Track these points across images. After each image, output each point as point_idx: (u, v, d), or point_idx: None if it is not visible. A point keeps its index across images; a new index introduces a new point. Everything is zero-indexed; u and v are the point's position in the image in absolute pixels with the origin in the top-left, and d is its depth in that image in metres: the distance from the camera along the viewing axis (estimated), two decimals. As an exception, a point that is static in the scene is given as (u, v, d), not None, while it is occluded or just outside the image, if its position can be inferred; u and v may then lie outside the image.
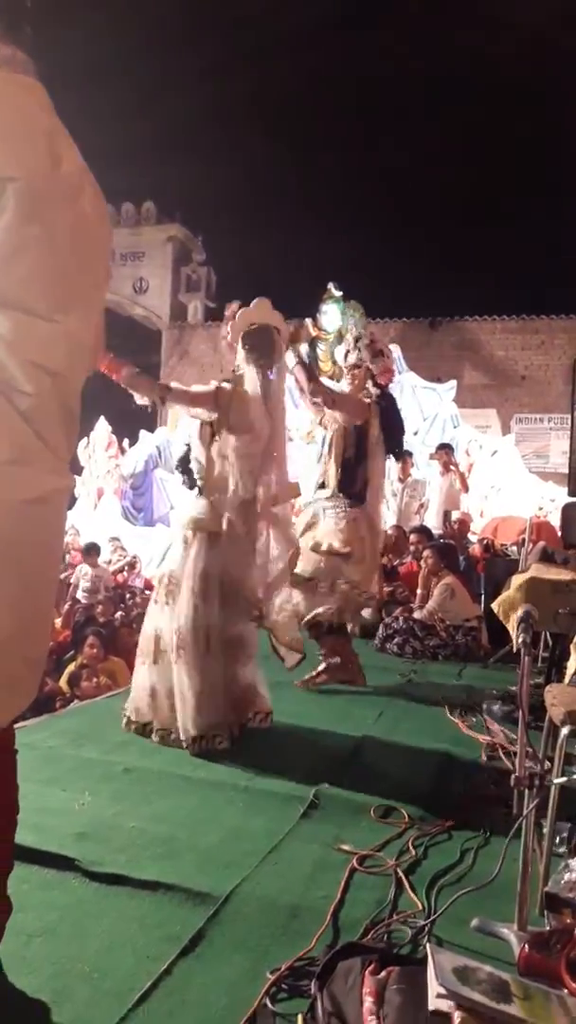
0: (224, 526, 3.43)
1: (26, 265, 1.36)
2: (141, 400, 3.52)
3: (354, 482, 4.59)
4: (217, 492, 3.48)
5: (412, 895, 2.21)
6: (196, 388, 3.58)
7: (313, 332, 14.82)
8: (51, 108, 1.45)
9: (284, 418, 3.72)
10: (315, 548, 4.50)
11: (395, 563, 7.61)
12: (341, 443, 4.56)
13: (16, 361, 1.36)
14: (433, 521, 9.23)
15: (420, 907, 2.15)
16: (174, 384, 3.64)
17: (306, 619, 4.50)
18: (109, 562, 10.36)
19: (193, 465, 3.61)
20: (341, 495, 4.57)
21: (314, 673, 4.59)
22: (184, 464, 3.75)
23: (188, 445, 3.74)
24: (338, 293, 14.99)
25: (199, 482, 3.57)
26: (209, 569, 3.42)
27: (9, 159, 1.32)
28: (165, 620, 3.47)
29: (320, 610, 4.48)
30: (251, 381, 3.50)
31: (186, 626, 3.36)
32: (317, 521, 4.61)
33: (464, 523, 8.83)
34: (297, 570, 4.46)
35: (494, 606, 6.11)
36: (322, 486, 4.68)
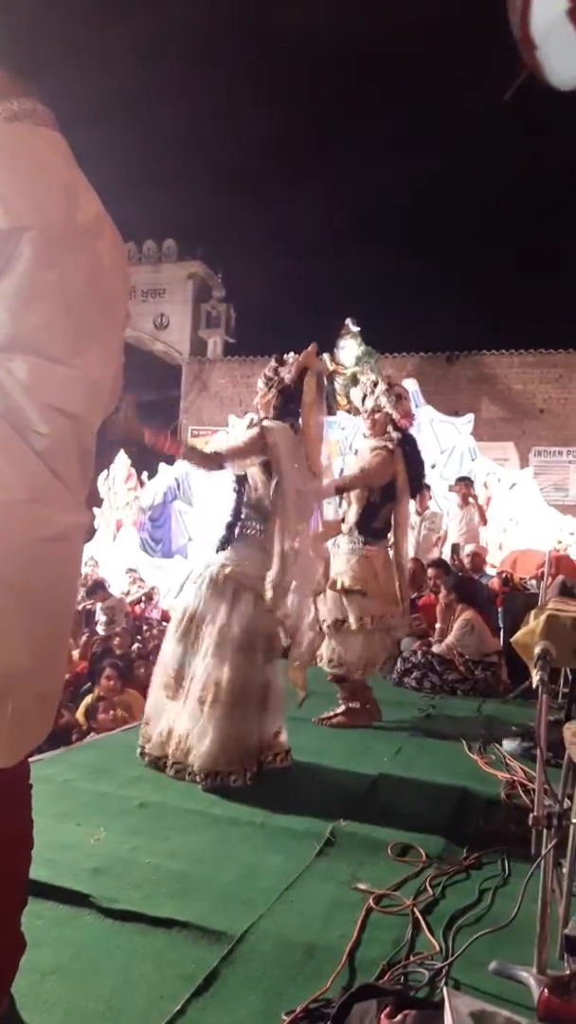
0: (278, 575, 3.40)
1: (43, 311, 1.40)
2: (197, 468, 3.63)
3: (374, 520, 4.59)
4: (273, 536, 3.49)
5: (429, 936, 2.18)
6: (240, 439, 3.57)
7: (331, 367, 14.98)
8: (71, 159, 1.50)
9: (322, 456, 3.77)
10: (330, 586, 4.51)
11: (413, 596, 7.57)
12: (365, 491, 4.59)
13: (34, 405, 1.39)
14: (447, 555, 9.20)
15: (437, 948, 2.11)
16: (224, 448, 3.61)
17: (333, 672, 4.53)
18: (127, 593, 10.39)
19: (246, 510, 3.59)
20: (356, 532, 4.58)
21: (332, 714, 4.57)
22: (237, 511, 3.65)
23: (238, 489, 3.66)
24: (355, 328, 15.15)
25: (254, 529, 3.55)
26: (256, 626, 3.42)
27: (25, 208, 1.36)
28: (194, 660, 3.44)
29: (343, 669, 4.49)
30: (319, 426, 3.59)
31: (228, 680, 3.34)
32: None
33: (478, 556, 8.77)
34: (331, 615, 4.50)
35: (513, 641, 6.06)
36: (342, 520, 4.70)
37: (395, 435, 4.64)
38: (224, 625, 3.41)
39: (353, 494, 4.61)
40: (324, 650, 4.43)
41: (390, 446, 4.59)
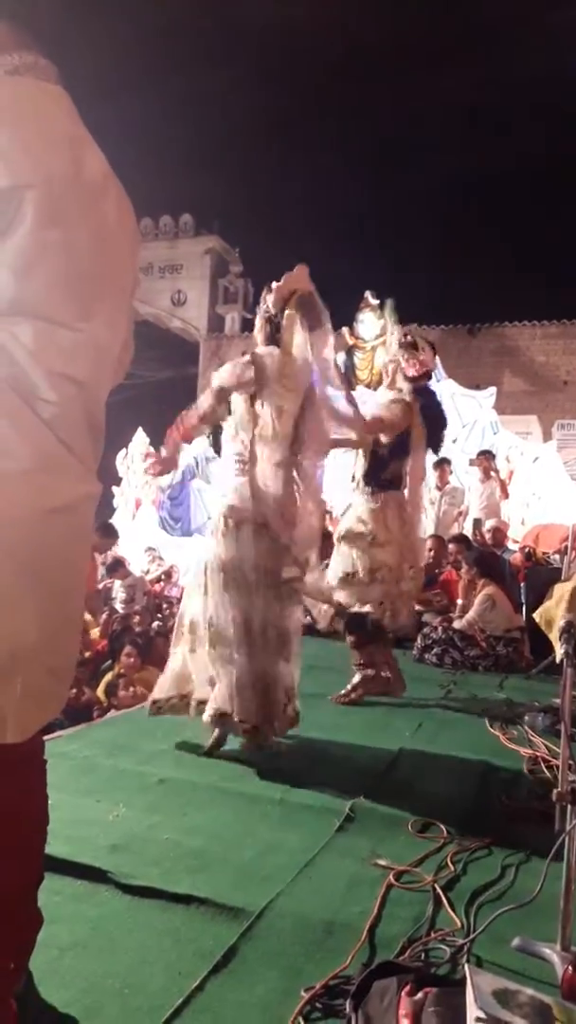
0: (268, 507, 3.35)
1: (47, 272, 1.35)
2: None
3: (383, 471, 4.51)
4: (260, 451, 3.42)
5: (451, 912, 2.15)
6: (231, 369, 3.54)
7: (350, 341, 14.83)
8: (75, 114, 1.44)
9: (330, 378, 3.65)
10: (340, 537, 4.47)
11: (435, 571, 7.51)
12: (371, 444, 4.50)
13: (39, 370, 1.35)
14: (468, 529, 9.12)
15: (459, 925, 2.09)
16: (216, 383, 3.58)
17: (352, 610, 4.45)
18: (147, 572, 10.42)
19: (229, 433, 3.56)
20: (363, 483, 4.52)
21: (349, 688, 4.53)
22: (216, 441, 3.72)
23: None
24: (375, 301, 14.96)
25: (240, 457, 3.48)
26: (243, 560, 3.35)
27: (28, 166, 1.31)
28: (198, 607, 3.45)
29: (367, 607, 4.42)
30: (300, 345, 3.46)
31: (224, 617, 3.33)
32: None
33: (499, 531, 8.68)
34: (332, 566, 4.44)
35: (536, 616, 6.00)
36: (352, 478, 4.64)
37: (405, 386, 4.55)
38: (219, 561, 3.38)
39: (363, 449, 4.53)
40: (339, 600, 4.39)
41: (407, 398, 4.51)
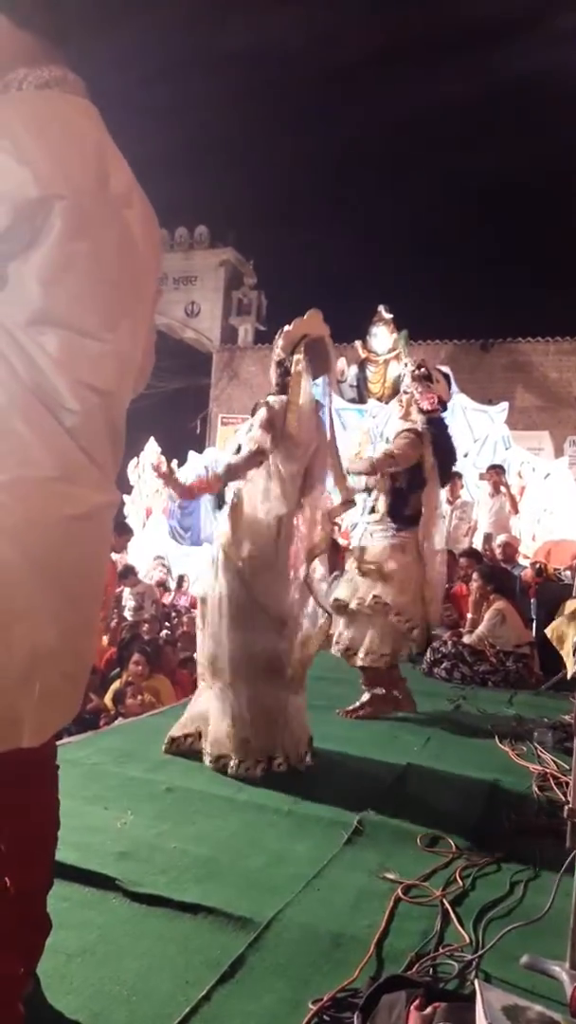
0: (246, 550, 3.34)
1: (74, 283, 1.37)
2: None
3: (404, 507, 4.52)
4: (252, 508, 3.41)
5: (459, 928, 2.14)
6: (250, 448, 3.44)
7: (363, 354, 14.87)
8: (102, 127, 1.47)
9: (333, 429, 3.65)
10: (361, 571, 4.45)
11: (445, 586, 7.49)
12: (390, 478, 4.51)
13: (64, 380, 1.37)
14: (478, 544, 9.09)
15: (468, 940, 2.07)
16: (232, 462, 3.49)
17: (361, 663, 4.45)
18: (156, 581, 10.44)
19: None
20: (389, 519, 4.52)
21: (357, 706, 4.52)
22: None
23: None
24: (388, 316, 15.00)
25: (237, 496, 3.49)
26: (240, 594, 3.35)
27: (57, 178, 1.33)
28: (200, 645, 3.48)
29: (371, 658, 4.41)
30: (305, 392, 3.45)
31: (224, 653, 3.33)
32: (365, 547, 4.56)
33: (510, 547, 8.65)
34: (339, 595, 4.42)
35: (547, 632, 5.97)
36: (372, 511, 4.64)
37: (419, 418, 4.56)
38: (215, 597, 3.38)
39: (378, 483, 4.54)
40: (334, 632, 4.35)
41: (419, 428, 4.51)
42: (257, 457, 3.39)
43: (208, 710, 3.45)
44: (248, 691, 3.32)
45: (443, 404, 4.74)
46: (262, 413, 3.43)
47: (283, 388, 3.52)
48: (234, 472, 3.43)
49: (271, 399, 3.50)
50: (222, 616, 3.35)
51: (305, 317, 3.59)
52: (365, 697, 4.53)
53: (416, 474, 4.49)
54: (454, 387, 13.78)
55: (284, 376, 3.53)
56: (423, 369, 4.75)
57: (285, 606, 3.43)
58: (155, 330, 1.70)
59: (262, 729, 3.34)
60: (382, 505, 4.55)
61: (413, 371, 4.76)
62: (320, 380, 3.64)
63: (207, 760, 3.34)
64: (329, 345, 3.63)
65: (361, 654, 4.43)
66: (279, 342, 3.58)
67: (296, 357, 3.48)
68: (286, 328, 3.57)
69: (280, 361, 3.57)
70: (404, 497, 4.51)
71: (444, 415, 4.81)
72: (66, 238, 1.34)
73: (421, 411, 4.58)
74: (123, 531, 7.91)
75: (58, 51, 1.47)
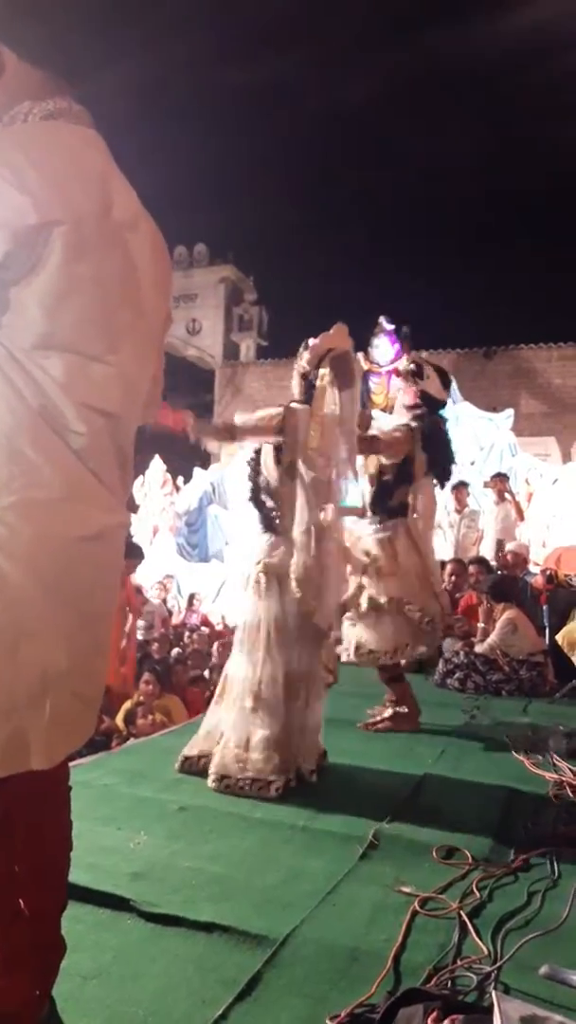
0: (299, 566, 3.35)
1: (76, 307, 1.38)
2: (211, 446, 3.66)
3: (388, 499, 4.44)
4: (291, 522, 3.42)
5: (477, 939, 2.12)
6: (261, 414, 3.57)
7: (365, 366, 14.92)
8: (107, 155, 1.50)
9: (355, 442, 3.68)
10: (360, 570, 4.43)
11: (455, 595, 7.47)
12: (377, 470, 4.48)
13: (69, 402, 1.38)
14: (488, 552, 9.05)
15: (485, 952, 2.05)
16: (238, 420, 3.62)
17: (382, 662, 4.41)
18: (164, 600, 10.45)
19: (264, 497, 3.58)
20: (371, 512, 4.46)
21: (378, 719, 4.50)
22: (256, 496, 3.65)
23: (253, 475, 3.67)
24: (390, 327, 15.07)
25: (275, 514, 3.51)
26: (286, 614, 3.37)
27: (57, 204, 1.35)
28: (238, 667, 3.44)
29: (389, 655, 4.38)
30: (330, 405, 3.47)
31: (267, 676, 3.32)
32: (355, 542, 4.54)
33: (518, 555, 8.61)
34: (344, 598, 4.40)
35: (558, 638, 5.94)
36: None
37: (407, 414, 4.52)
38: (256, 620, 3.39)
39: (364, 475, 4.49)
40: (344, 638, 4.32)
41: (412, 424, 4.46)
42: (266, 424, 3.47)
43: (223, 730, 3.43)
44: (284, 710, 3.32)
45: (432, 401, 4.61)
46: (279, 411, 3.48)
47: (306, 401, 3.54)
48: (240, 430, 3.55)
49: (295, 404, 3.53)
50: (267, 638, 3.35)
51: (331, 331, 3.60)
52: (388, 712, 4.51)
53: (404, 469, 4.42)
54: (458, 395, 13.82)
55: (309, 389, 3.54)
56: (413, 365, 4.70)
57: (328, 611, 3.45)
58: (163, 355, 1.72)
59: (286, 746, 3.33)
60: (367, 496, 4.52)
61: (402, 366, 4.74)
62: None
63: (210, 781, 3.30)
64: (353, 359, 3.65)
65: (378, 652, 4.38)
66: (304, 355, 3.58)
67: (322, 372, 3.49)
68: (312, 341, 3.58)
69: (304, 374, 3.58)
70: (389, 489, 4.45)
71: (442, 414, 4.74)
72: (67, 263, 1.36)
73: (405, 407, 4.55)
74: (133, 554, 7.80)
75: (63, 83, 1.50)
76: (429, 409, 4.52)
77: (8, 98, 1.46)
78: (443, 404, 4.73)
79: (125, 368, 1.46)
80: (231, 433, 3.57)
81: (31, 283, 1.35)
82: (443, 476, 4.63)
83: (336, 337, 3.59)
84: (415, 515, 4.48)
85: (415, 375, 4.57)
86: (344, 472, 3.62)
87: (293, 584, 3.33)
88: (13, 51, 1.47)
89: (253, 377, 20.79)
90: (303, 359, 3.58)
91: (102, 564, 1.51)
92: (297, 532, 3.38)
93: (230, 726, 3.41)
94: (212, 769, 3.34)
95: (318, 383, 3.50)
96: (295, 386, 3.64)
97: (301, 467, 3.41)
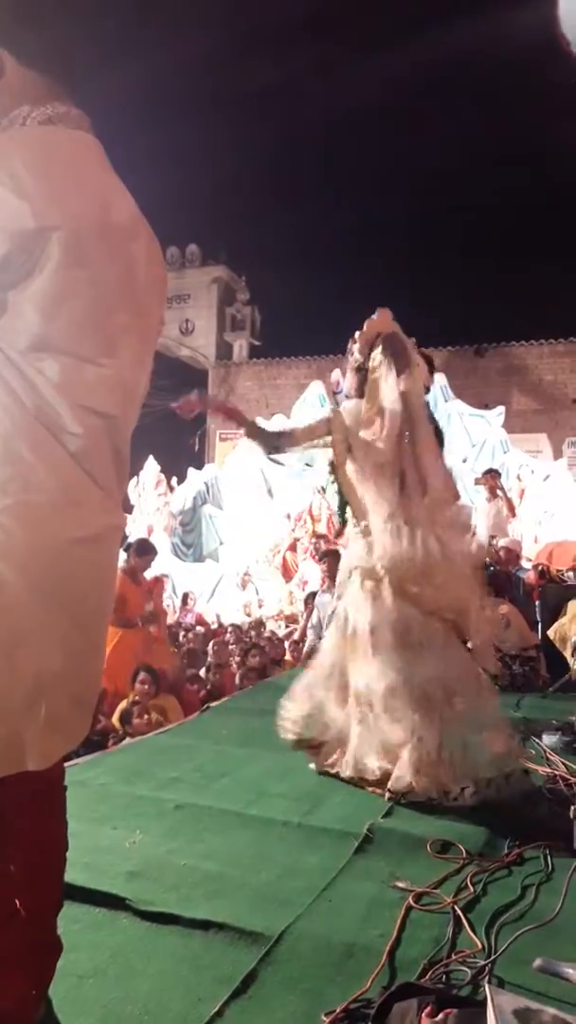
0: (386, 564, 3.21)
1: (72, 310, 1.39)
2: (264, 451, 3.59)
3: None
4: (365, 520, 3.35)
5: (471, 934, 2.13)
6: (308, 424, 3.53)
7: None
8: (105, 161, 1.51)
9: (425, 420, 3.50)
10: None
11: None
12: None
13: (66, 405, 1.39)
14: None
15: (480, 946, 2.07)
16: (289, 427, 3.58)
17: None
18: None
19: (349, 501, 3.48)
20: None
21: None
22: (341, 507, 3.56)
23: (324, 489, 3.68)
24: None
25: (353, 522, 3.45)
26: (391, 618, 3.24)
27: (54, 209, 1.36)
28: (371, 673, 3.28)
29: None
30: (391, 390, 3.34)
31: (380, 686, 3.21)
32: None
33: (511, 550, 8.63)
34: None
35: (550, 633, 5.96)
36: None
37: None
38: (368, 627, 3.27)
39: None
40: None
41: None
42: (317, 429, 3.44)
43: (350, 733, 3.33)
44: (436, 718, 3.17)
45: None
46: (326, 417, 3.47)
47: (362, 394, 3.48)
48: (290, 438, 3.48)
49: (344, 405, 3.49)
50: (390, 641, 3.22)
51: (375, 316, 3.54)
52: None
53: None
54: (450, 394, 13.84)
55: (363, 382, 3.49)
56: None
57: (455, 593, 3.28)
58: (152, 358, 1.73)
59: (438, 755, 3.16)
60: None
61: None
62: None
63: (348, 772, 3.26)
64: (405, 339, 3.54)
65: None
66: (353, 347, 3.54)
67: (375, 355, 3.43)
68: (357, 332, 3.54)
69: (357, 367, 3.53)
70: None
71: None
72: (64, 267, 1.37)
73: None
74: (144, 551, 7.72)
75: (62, 88, 1.51)
76: None
77: (7, 102, 1.47)
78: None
79: (122, 370, 1.47)
80: (290, 439, 3.50)
81: (28, 287, 1.36)
82: None
83: (381, 321, 3.52)
84: None
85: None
86: (429, 449, 3.41)
87: (380, 572, 3.21)
88: (12, 55, 1.48)
89: (246, 377, 20.80)
90: (353, 353, 3.53)
91: (97, 566, 1.52)
92: (377, 525, 3.27)
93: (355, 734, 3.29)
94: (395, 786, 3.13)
95: (371, 371, 3.42)
96: (348, 382, 3.59)
97: (351, 464, 3.37)
